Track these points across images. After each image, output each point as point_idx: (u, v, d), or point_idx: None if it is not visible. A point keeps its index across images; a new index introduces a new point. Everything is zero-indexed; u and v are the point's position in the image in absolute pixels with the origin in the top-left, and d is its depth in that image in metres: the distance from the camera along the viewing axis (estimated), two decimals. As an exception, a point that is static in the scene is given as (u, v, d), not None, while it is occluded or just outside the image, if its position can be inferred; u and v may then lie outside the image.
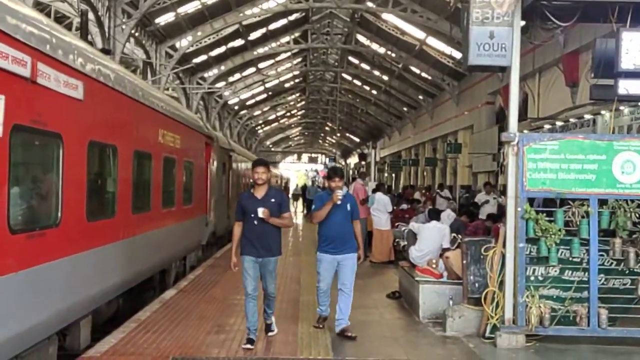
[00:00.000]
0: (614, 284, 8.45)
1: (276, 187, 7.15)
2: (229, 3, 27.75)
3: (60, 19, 23.99)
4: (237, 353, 7.50)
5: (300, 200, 43.90)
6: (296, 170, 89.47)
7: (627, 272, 8.35)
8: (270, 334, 8.04)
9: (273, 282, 8.04)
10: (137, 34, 26.02)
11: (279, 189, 7.44)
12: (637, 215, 8.19)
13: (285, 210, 8.07)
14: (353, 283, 8.55)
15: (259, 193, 7.88)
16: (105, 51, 13.57)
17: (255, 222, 7.72)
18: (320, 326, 8.60)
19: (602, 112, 16.28)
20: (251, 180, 7.99)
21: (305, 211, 38.69)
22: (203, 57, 33.87)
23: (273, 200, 7.86)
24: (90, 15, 20.79)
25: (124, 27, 22.98)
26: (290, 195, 43.29)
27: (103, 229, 8.54)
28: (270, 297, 8.03)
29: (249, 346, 7.55)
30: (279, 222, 7.89)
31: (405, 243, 12.55)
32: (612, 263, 8.37)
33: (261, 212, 7.61)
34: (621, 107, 15.72)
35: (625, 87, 8.17)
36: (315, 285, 8.70)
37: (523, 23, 8.78)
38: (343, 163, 74.84)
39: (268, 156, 68.73)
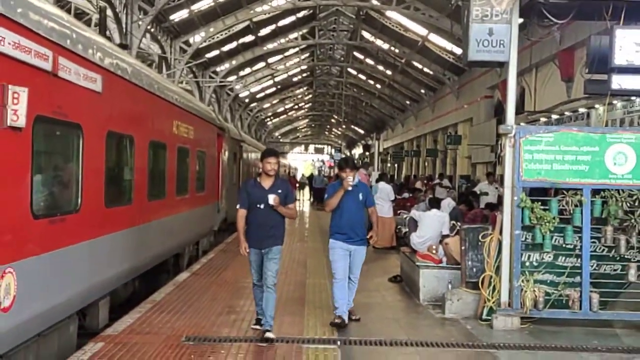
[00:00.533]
0: (605, 270, 8.46)
1: (282, 177, 6.70)
2: (239, 0, 27.70)
3: (79, 15, 23.95)
4: (247, 333, 7.54)
5: (307, 189, 43.92)
6: (303, 160, 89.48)
7: (617, 258, 8.36)
8: (266, 344, 6.96)
9: (274, 272, 7.38)
10: (152, 30, 25.99)
11: (285, 179, 8.02)
12: (628, 204, 8.18)
13: (290, 202, 7.72)
14: (359, 271, 8.37)
15: (266, 183, 7.49)
16: (123, 46, 13.60)
17: (262, 209, 7.33)
18: (337, 322, 7.89)
19: (596, 106, 16.22)
20: (260, 170, 7.68)
21: (312, 199, 38.64)
22: (215, 52, 33.88)
23: (280, 191, 7.47)
24: (109, 12, 20.80)
25: (140, 23, 22.96)
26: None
27: (120, 215, 8.57)
28: (269, 289, 7.31)
29: (257, 327, 7.44)
30: (285, 212, 7.52)
31: (407, 230, 12.57)
32: (603, 250, 8.37)
33: (272, 199, 7.26)
34: (614, 101, 15.66)
35: (619, 82, 8.14)
36: (331, 276, 8.32)
37: (521, 20, 8.75)
38: (348, 153, 74.76)
39: (277, 147, 68.63)
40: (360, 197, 8.23)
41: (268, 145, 55.15)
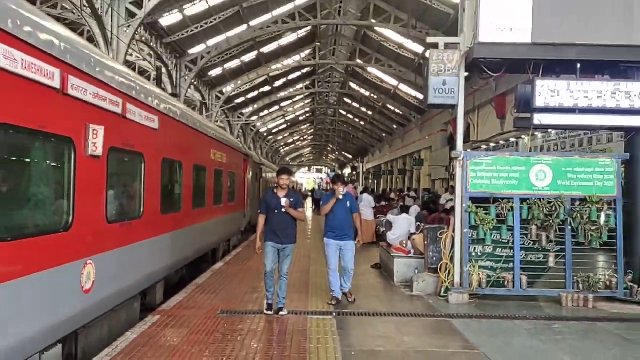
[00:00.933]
0: (531, 258, 8.46)
1: (294, 190, 8.18)
2: (260, 61, 27.88)
3: (142, 72, 24.17)
4: (266, 307, 7.50)
5: (310, 199, 43.77)
6: (307, 178, 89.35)
7: (540, 249, 8.37)
8: (281, 313, 7.07)
9: (288, 264, 7.26)
10: (195, 83, 26.12)
11: (296, 191, 7.81)
12: (547, 209, 8.19)
13: (299, 207, 7.46)
14: (353, 262, 8.14)
15: (281, 193, 7.31)
16: (174, 95, 13.66)
17: (278, 214, 7.13)
18: (333, 303, 7.83)
19: (523, 136, 16.33)
20: (276, 184, 7.56)
21: (314, 207, 38.45)
22: (242, 99, 34.05)
23: (291, 199, 7.28)
24: (163, 70, 20.95)
25: (186, 78, 23.10)
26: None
27: (172, 219, 8.61)
28: (283, 277, 7.24)
29: (269, 312, 7.13)
30: (295, 213, 7.27)
31: (384, 229, 12.54)
32: (530, 243, 8.39)
33: (284, 201, 7.12)
34: (536, 133, 15.66)
35: (539, 119, 8.20)
36: (326, 265, 8.18)
37: (467, 74, 8.82)
38: (340, 172, 74.55)
39: (287, 167, 68.56)
40: (348, 204, 8.10)
41: (280, 166, 55.02)
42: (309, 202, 43.45)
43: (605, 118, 8.22)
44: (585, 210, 8.11)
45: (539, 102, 8.03)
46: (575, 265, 8.27)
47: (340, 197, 7.94)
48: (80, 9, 15.17)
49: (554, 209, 8.16)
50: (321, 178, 79.57)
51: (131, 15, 16.24)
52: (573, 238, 8.21)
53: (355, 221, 8.24)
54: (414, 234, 10.31)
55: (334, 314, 7.23)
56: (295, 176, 74.19)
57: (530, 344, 6.11)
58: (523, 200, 8.28)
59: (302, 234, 18.25)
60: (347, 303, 7.95)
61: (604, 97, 8.01)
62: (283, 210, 7.15)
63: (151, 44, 20.31)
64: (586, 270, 8.39)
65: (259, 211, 7.45)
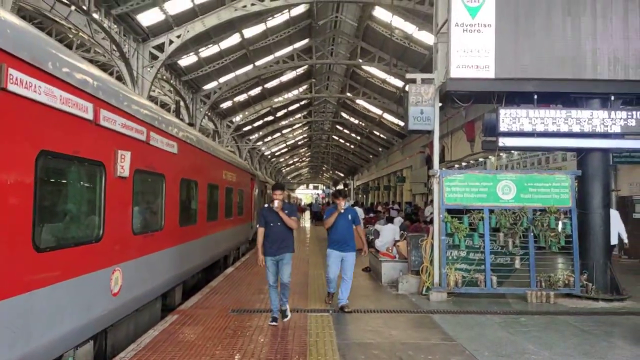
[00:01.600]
0: (500, 261, 8.43)
1: (289, 203, 7.09)
2: (264, 94, 28.03)
3: (163, 105, 24.25)
4: (271, 306, 7.41)
5: (308, 212, 43.54)
6: (305, 194, 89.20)
7: (507, 253, 8.34)
8: (285, 319, 6.55)
9: (288, 273, 6.52)
10: (209, 114, 26.21)
11: (291, 203, 7.64)
12: (512, 219, 8.19)
13: (292, 216, 6.66)
14: (352, 273, 7.46)
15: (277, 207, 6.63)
16: (190, 124, 13.68)
17: (274, 227, 6.49)
18: (329, 302, 7.59)
19: (490, 157, 16.37)
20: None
21: (312, 219, 38.06)
22: (249, 127, 34.22)
23: (287, 211, 6.60)
24: (182, 103, 21.02)
25: (201, 109, 23.16)
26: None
27: (189, 231, 8.55)
28: (284, 285, 6.52)
29: (274, 324, 6.39)
30: (287, 218, 6.53)
31: (373, 237, 12.50)
32: (498, 248, 8.35)
33: (277, 203, 6.46)
34: (501, 154, 15.69)
35: (503, 141, 8.23)
36: (325, 273, 7.81)
37: (441, 104, 8.89)
38: (334, 189, 74.34)
39: (287, 185, 68.53)
40: (350, 217, 7.48)
41: (278, 182, 54.28)
42: (307, 215, 43.32)
43: (559, 140, 8.28)
44: (545, 219, 8.12)
45: (502, 127, 8.09)
46: (538, 266, 8.25)
47: (342, 211, 7.40)
48: (110, 53, 15.29)
49: (518, 218, 8.16)
50: (317, 194, 79.55)
51: (154, 57, 16.38)
52: (535, 243, 8.19)
53: (359, 234, 7.59)
54: (398, 241, 10.28)
55: (330, 311, 7.16)
56: (295, 192, 74.05)
57: (501, 335, 6.05)
58: (491, 211, 8.28)
59: (301, 242, 18.18)
60: (336, 298, 7.52)
61: (557, 123, 8.08)
62: (279, 223, 6.51)
63: (171, 81, 20.44)
64: (547, 270, 8.39)
65: (257, 225, 6.82)
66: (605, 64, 7.99)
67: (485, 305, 7.73)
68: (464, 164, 19.45)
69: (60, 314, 4.28)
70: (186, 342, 5.56)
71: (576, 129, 8.05)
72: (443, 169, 9.56)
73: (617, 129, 8.01)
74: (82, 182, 4.97)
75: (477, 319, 6.90)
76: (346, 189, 54.44)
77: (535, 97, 8.17)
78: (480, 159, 18.49)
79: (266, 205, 6.69)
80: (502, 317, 6.98)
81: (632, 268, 12.00)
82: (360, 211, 16.40)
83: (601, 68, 7.99)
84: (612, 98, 8.17)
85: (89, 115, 4.72)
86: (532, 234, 8.16)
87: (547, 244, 8.10)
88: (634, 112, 8.02)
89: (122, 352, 5.22)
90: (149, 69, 16.14)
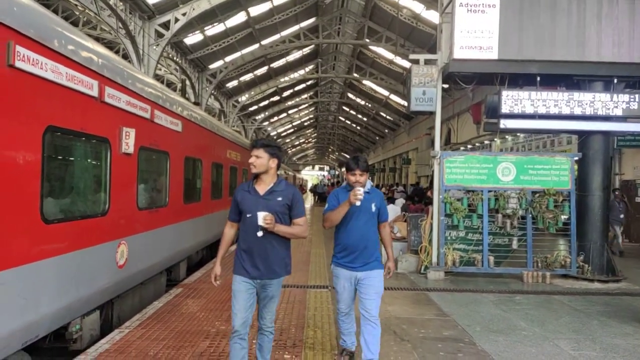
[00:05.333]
0: (497, 241, 8.56)
1: (288, 182, 3.54)
2: (270, 74, 27.92)
3: (169, 84, 24.28)
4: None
5: (312, 194, 43.51)
6: (311, 175, 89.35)
7: (505, 234, 8.47)
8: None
9: (272, 312, 3.63)
10: (215, 93, 26.20)
11: (290, 183, 3.57)
12: (512, 202, 8.28)
13: (298, 214, 3.55)
14: (378, 308, 4.00)
15: (262, 187, 3.56)
16: (196, 103, 13.72)
17: (254, 227, 3.48)
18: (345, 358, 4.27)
19: (495, 139, 16.34)
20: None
21: (316, 200, 37.59)
22: (255, 107, 34.09)
23: (280, 199, 3.49)
24: (187, 82, 21.05)
25: (207, 89, 23.18)
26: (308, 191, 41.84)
27: (193, 208, 8.68)
28: (265, 333, 3.62)
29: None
30: (288, 232, 3.49)
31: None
32: (496, 229, 8.48)
33: (261, 218, 3.38)
34: (507, 137, 15.67)
35: (504, 123, 8.27)
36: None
37: (446, 86, 8.89)
38: (339, 171, 74.36)
39: (294, 167, 68.50)
40: (373, 208, 4.04)
41: (289, 167, 51.83)
42: (310, 197, 43.18)
43: (561, 123, 8.31)
44: (544, 201, 8.20)
45: (504, 109, 8.12)
46: (535, 247, 8.39)
47: (358, 203, 3.83)
48: (116, 31, 15.31)
49: (518, 200, 8.25)
50: (323, 175, 79.63)
51: (160, 35, 16.36)
52: (533, 224, 8.31)
53: (384, 234, 4.21)
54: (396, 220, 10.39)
55: (329, 287, 7.31)
56: (300, 173, 73.80)
57: (494, 312, 6.22)
58: (491, 192, 8.38)
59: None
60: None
61: (559, 105, 8.09)
62: (262, 231, 3.49)
63: (177, 60, 20.43)
64: (544, 251, 8.52)
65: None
66: (610, 46, 7.95)
67: (482, 284, 7.88)
68: (469, 146, 19.41)
69: (67, 283, 4.47)
70: (189, 314, 5.77)
71: (578, 111, 8.07)
72: (446, 151, 9.60)
73: (619, 112, 8.01)
74: (87, 158, 5.11)
75: (473, 297, 7.05)
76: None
77: (538, 79, 8.18)
78: (486, 142, 18.45)
79: (247, 183, 3.69)
80: (497, 296, 7.12)
81: (632, 252, 12.10)
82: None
83: (605, 50, 7.96)
84: (615, 81, 8.15)
85: (94, 93, 4.83)
86: (530, 215, 8.26)
87: (545, 226, 8.21)
88: (637, 95, 8.01)
89: (127, 322, 5.44)
90: (154, 48, 16.15)
